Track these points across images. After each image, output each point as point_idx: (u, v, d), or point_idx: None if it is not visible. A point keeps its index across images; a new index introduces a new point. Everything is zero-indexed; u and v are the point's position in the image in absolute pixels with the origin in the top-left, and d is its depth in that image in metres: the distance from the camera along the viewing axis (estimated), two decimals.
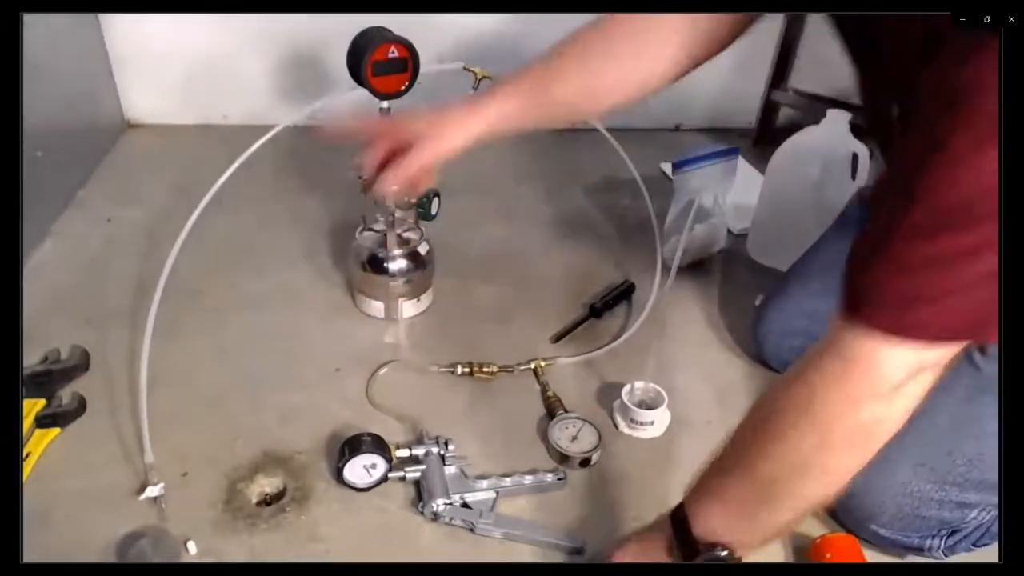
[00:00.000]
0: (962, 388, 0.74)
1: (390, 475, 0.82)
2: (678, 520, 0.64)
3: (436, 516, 0.79)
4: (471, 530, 0.78)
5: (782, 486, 0.58)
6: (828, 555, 0.76)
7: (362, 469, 0.81)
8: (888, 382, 0.52)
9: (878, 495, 0.76)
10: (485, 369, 0.99)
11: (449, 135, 0.78)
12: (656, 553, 0.66)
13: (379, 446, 0.82)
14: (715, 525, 0.62)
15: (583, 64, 0.79)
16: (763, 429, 0.59)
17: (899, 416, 0.54)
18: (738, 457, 0.61)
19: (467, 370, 0.99)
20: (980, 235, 0.47)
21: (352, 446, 0.81)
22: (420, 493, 0.82)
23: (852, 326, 0.53)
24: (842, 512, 0.80)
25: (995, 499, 0.75)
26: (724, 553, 0.61)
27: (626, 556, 0.69)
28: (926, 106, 0.49)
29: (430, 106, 0.80)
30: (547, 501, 0.84)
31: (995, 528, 0.76)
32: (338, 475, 0.81)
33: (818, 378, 0.55)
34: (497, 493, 0.82)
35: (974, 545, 0.77)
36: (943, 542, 0.77)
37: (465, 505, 0.80)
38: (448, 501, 0.79)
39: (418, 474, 0.83)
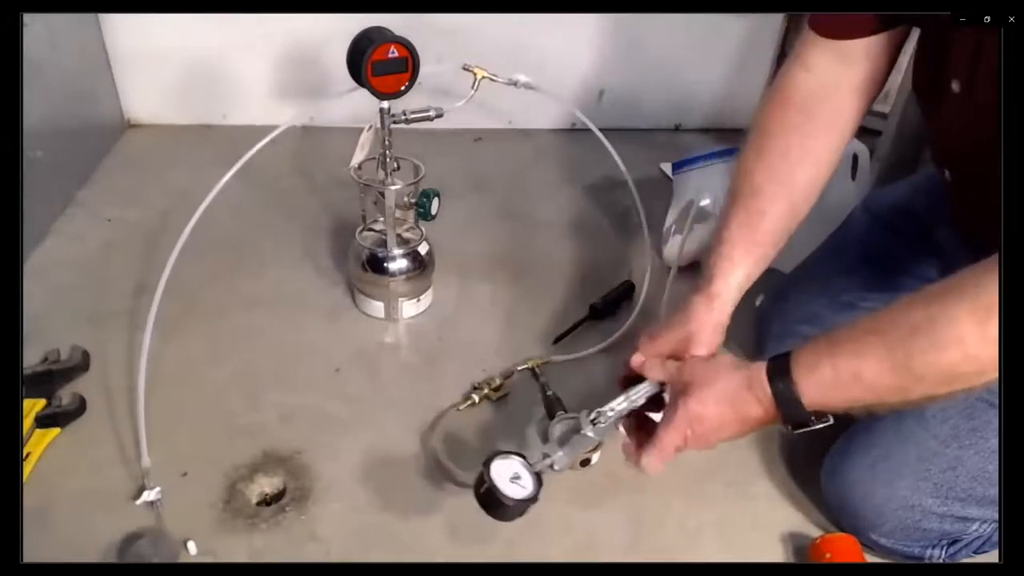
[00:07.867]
0: (963, 401, 0.73)
1: None
2: (788, 396, 0.61)
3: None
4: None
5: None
6: (828, 555, 0.76)
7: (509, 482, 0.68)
8: None
9: (878, 507, 0.75)
10: (495, 389, 0.97)
11: (708, 340, 0.76)
12: (747, 408, 0.63)
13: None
14: (830, 399, 0.59)
15: (772, 191, 0.77)
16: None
17: None
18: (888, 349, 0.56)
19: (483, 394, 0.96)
20: None
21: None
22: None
23: None
24: (841, 518, 0.80)
25: (997, 514, 0.73)
26: (826, 423, 0.61)
27: (708, 406, 0.64)
28: None
29: (667, 321, 0.79)
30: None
31: (995, 538, 0.76)
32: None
33: None
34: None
35: (974, 553, 0.77)
36: (943, 552, 0.76)
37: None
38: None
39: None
